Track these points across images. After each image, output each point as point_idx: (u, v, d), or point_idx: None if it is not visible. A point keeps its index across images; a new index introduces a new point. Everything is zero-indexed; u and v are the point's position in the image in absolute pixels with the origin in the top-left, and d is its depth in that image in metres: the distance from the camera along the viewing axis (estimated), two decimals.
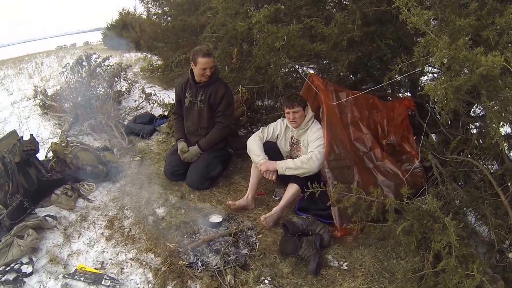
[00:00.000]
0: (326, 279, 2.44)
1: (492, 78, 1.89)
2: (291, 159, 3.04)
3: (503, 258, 2.29)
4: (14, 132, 3.20)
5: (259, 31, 2.92)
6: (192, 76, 3.37)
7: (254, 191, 3.18)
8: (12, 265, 2.38)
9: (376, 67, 3.51)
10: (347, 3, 3.24)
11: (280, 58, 2.91)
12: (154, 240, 2.70)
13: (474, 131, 3.08)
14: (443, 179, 2.81)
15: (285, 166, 2.99)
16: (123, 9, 11.80)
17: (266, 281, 2.40)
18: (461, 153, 2.83)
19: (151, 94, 5.29)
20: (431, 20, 2.16)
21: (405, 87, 3.91)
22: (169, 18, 7.16)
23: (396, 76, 2.83)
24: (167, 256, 2.54)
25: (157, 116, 4.86)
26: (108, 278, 2.32)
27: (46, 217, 2.80)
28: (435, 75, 3.42)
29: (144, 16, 9.40)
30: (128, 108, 5.30)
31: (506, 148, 2.70)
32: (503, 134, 2.72)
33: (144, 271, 2.44)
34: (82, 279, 2.31)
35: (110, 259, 2.55)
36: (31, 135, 3.19)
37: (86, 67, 5.23)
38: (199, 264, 2.47)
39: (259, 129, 3.37)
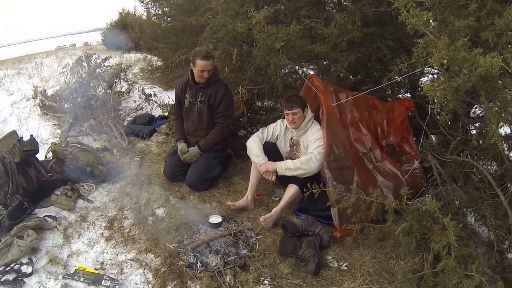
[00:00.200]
0: (325, 280, 2.45)
1: (491, 79, 1.89)
2: (291, 160, 3.05)
3: (503, 258, 2.29)
4: (14, 133, 3.21)
5: (259, 32, 2.92)
6: (192, 77, 3.37)
7: (253, 191, 3.18)
8: (12, 265, 2.38)
9: (376, 68, 3.52)
10: (347, 4, 3.24)
11: (280, 59, 2.92)
12: (154, 241, 2.70)
13: (474, 132, 3.09)
14: (442, 179, 2.81)
15: (285, 167, 2.99)
16: (122, 10, 11.79)
17: (265, 282, 2.40)
18: (461, 154, 2.84)
19: (151, 95, 5.29)
20: (430, 21, 2.16)
21: (405, 88, 3.91)
22: (169, 18, 7.15)
23: (396, 77, 2.84)
24: (167, 256, 2.54)
25: (156, 116, 4.86)
26: (108, 278, 2.33)
27: (46, 218, 2.80)
28: (435, 76, 3.42)
29: (144, 17, 9.39)
30: (127, 108, 5.29)
31: (505, 149, 2.70)
32: (502, 134, 2.72)
33: (144, 272, 2.44)
34: (82, 279, 2.31)
35: (110, 259, 2.55)
36: (31, 135, 3.19)
37: (86, 67, 5.23)
38: (199, 264, 2.47)
39: (258, 130, 3.37)
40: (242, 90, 3.91)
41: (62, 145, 3.54)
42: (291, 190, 2.99)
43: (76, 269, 2.38)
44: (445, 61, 1.96)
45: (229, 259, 2.53)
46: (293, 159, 3.06)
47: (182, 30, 5.87)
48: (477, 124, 3.10)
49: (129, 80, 5.81)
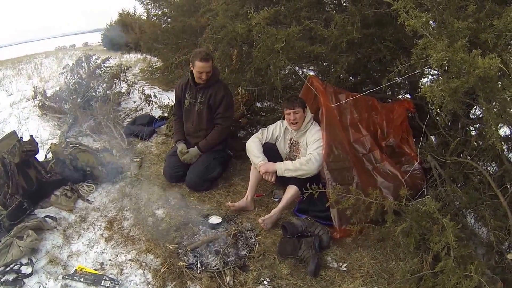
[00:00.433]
0: (325, 280, 2.45)
1: (490, 80, 1.90)
2: (290, 161, 3.05)
3: (502, 259, 2.29)
4: (13, 133, 3.21)
5: (258, 33, 2.93)
6: (192, 78, 3.37)
7: (253, 192, 3.18)
8: (11, 265, 2.38)
9: (376, 69, 3.52)
10: (346, 5, 3.25)
11: (279, 60, 2.92)
12: (153, 241, 2.70)
13: (474, 132, 3.09)
14: (442, 180, 2.81)
15: (284, 168, 2.99)
16: (122, 10, 11.80)
17: (265, 282, 2.40)
18: (461, 155, 2.84)
19: (150, 96, 5.30)
20: (431, 22, 2.17)
21: (405, 89, 3.91)
22: (169, 19, 7.15)
23: (396, 78, 2.84)
24: (166, 257, 2.54)
25: (156, 117, 4.87)
26: (107, 279, 2.33)
27: (46, 218, 2.81)
28: (435, 77, 3.43)
29: (144, 17, 9.40)
30: (127, 109, 5.30)
31: (505, 150, 2.71)
32: (502, 135, 2.73)
33: (143, 272, 2.44)
34: (82, 280, 2.31)
35: (110, 260, 2.55)
36: (31, 136, 3.20)
37: (86, 68, 5.24)
38: (199, 265, 2.48)
39: (258, 131, 3.38)
40: (242, 91, 3.92)
41: (62, 145, 3.54)
42: (291, 191, 2.99)
43: (76, 270, 2.39)
44: (444, 62, 1.97)
45: (228, 259, 2.53)
46: (293, 160, 3.06)
47: (182, 31, 5.87)
48: (477, 125, 3.10)
49: (129, 80, 5.82)
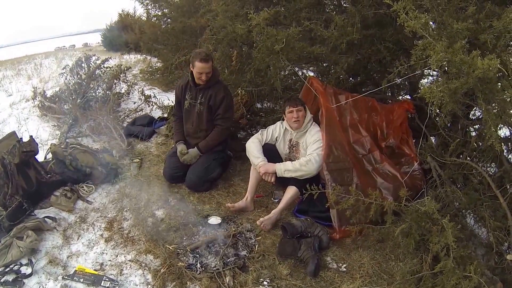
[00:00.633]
0: (324, 281, 2.45)
1: (489, 81, 1.90)
2: (290, 162, 3.05)
3: (502, 260, 2.29)
4: (13, 133, 3.21)
5: (258, 34, 2.93)
6: (192, 78, 3.37)
7: (253, 193, 3.18)
8: (11, 266, 2.38)
9: (376, 70, 3.52)
10: (346, 6, 3.25)
11: (279, 61, 2.92)
12: (153, 242, 2.70)
13: (473, 133, 3.09)
14: (442, 181, 2.82)
15: (284, 168, 2.99)
16: (122, 11, 11.81)
17: (265, 283, 2.40)
18: (460, 156, 2.84)
19: (150, 96, 5.29)
20: (431, 23, 2.17)
21: (405, 90, 3.92)
22: (169, 20, 7.16)
23: (396, 79, 2.85)
24: (166, 257, 2.54)
25: (156, 118, 4.87)
26: (107, 279, 2.33)
27: (46, 219, 2.81)
28: (435, 78, 3.43)
29: (144, 18, 9.41)
30: (127, 110, 5.30)
31: (504, 151, 2.71)
32: (502, 136, 2.73)
33: (143, 273, 2.44)
34: (82, 280, 2.31)
35: (110, 260, 2.55)
36: (30, 136, 3.20)
37: (86, 68, 5.24)
38: (198, 265, 2.47)
39: (258, 132, 3.38)
40: (241, 91, 3.92)
41: (62, 146, 3.54)
42: (290, 191, 2.99)
43: (75, 270, 2.39)
44: (444, 63, 1.97)
45: (228, 260, 2.54)
46: (293, 161, 3.06)
47: (182, 31, 5.88)
48: (477, 126, 3.10)
49: (129, 81, 5.83)
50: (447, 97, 1.94)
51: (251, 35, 3.07)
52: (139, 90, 5.53)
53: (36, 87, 5.38)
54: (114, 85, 5.37)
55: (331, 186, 2.74)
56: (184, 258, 2.55)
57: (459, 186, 2.84)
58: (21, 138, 3.10)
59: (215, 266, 2.47)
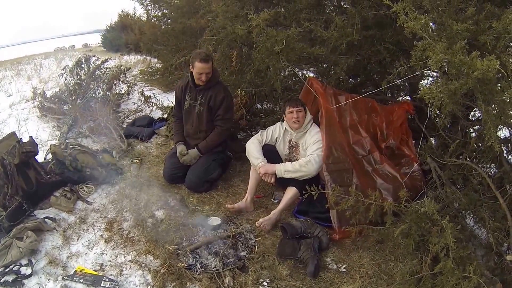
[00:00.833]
0: (324, 282, 2.45)
1: (488, 82, 1.90)
2: (290, 162, 3.05)
3: (501, 260, 2.29)
4: (13, 134, 3.21)
5: (258, 35, 2.93)
6: (192, 79, 3.37)
7: (253, 194, 3.18)
8: (11, 266, 2.37)
9: (376, 71, 3.52)
10: (346, 7, 3.26)
11: (279, 62, 2.93)
12: (153, 242, 2.70)
13: (473, 134, 3.09)
14: (441, 182, 2.82)
15: (284, 169, 2.99)
16: (122, 11, 11.83)
17: (264, 283, 2.40)
18: (460, 157, 2.84)
19: (150, 97, 5.30)
20: (431, 24, 2.18)
21: (405, 90, 3.92)
22: (169, 20, 7.17)
23: (396, 80, 2.85)
24: (166, 258, 2.54)
25: (156, 119, 4.87)
26: (107, 280, 2.33)
27: (45, 219, 2.80)
28: (435, 79, 3.43)
29: (144, 19, 9.42)
30: (127, 110, 5.30)
31: (504, 152, 2.71)
32: (502, 137, 2.73)
33: (143, 273, 2.44)
34: (81, 281, 2.31)
35: (109, 261, 2.55)
36: (30, 137, 3.20)
37: (85, 69, 5.25)
38: (198, 266, 2.47)
39: (258, 132, 3.38)
40: (241, 92, 3.92)
41: (62, 146, 3.54)
42: (290, 192, 3.00)
43: (75, 271, 2.38)
44: (444, 64, 1.97)
45: (228, 260, 2.53)
46: (292, 161, 3.07)
47: (182, 32, 5.89)
48: (476, 127, 3.10)
49: (129, 82, 5.83)
50: (446, 98, 1.94)
51: (251, 36, 3.07)
52: (139, 90, 5.54)
53: (36, 88, 5.39)
54: (114, 86, 5.37)
55: (331, 187, 2.74)
56: (184, 258, 2.55)
57: (459, 187, 2.84)
58: (21, 138, 3.10)
59: (215, 267, 2.47)
